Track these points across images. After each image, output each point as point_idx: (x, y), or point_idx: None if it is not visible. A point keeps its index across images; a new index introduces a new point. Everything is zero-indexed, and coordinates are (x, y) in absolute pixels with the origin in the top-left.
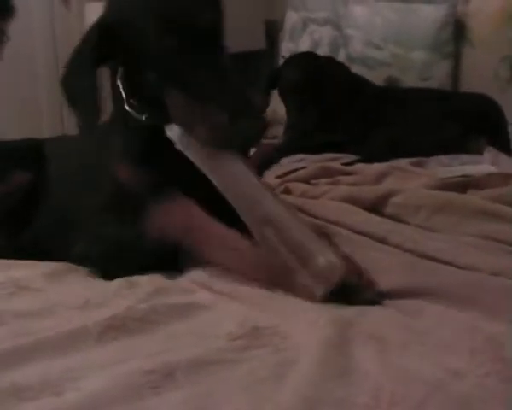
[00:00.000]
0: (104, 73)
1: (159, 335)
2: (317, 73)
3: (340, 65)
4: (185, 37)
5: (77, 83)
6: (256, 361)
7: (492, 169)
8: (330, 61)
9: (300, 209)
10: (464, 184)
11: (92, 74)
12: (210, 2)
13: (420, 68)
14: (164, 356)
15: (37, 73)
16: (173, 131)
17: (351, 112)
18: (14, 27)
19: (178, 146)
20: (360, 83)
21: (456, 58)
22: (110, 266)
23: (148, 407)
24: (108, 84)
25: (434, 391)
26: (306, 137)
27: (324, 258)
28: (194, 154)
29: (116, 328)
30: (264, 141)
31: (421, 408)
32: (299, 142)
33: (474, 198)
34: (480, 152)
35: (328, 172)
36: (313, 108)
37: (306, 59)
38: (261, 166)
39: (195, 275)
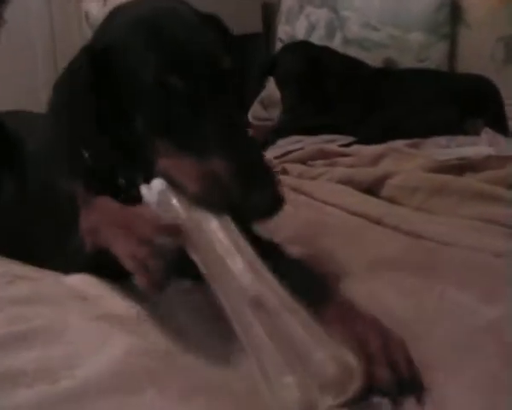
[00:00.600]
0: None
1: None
2: (313, 61)
3: (336, 52)
4: (195, 79)
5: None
6: None
7: (490, 150)
8: (325, 49)
9: (298, 190)
10: (461, 167)
11: (91, 103)
12: (229, 43)
13: (417, 50)
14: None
15: (36, 59)
16: (152, 188)
17: (347, 94)
18: (12, 14)
19: (152, 206)
20: (356, 65)
21: (453, 39)
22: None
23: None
24: None
25: None
26: (303, 119)
27: (334, 358)
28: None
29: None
30: (260, 122)
31: None
32: (295, 123)
33: (471, 180)
34: (477, 133)
35: (325, 154)
36: (310, 95)
37: (302, 48)
38: None
39: None
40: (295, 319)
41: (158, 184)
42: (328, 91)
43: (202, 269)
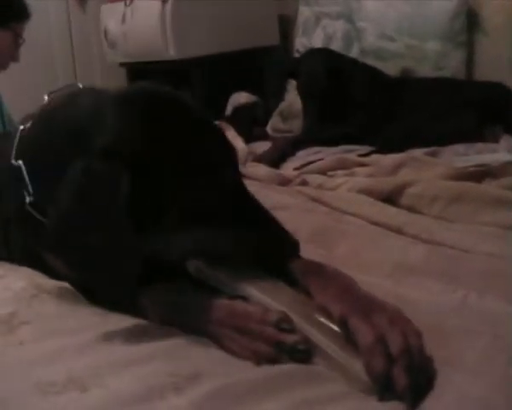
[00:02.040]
0: None
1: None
2: (336, 69)
3: (356, 61)
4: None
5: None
6: None
7: (509, 157)
8: (347, 58)
9: (317, 200)
10: (480, 174)
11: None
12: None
13: (434, 58)
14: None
15: (56, 74)
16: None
17: (366, 103)
18: (32, 30)
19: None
20: (375, 74)
21: (470, 47)
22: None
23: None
24: None
25: None
26: (323, 129)
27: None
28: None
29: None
30: (280, 134)
31: None
32: (315, 134)
33: (490, 187)
34: (495, 140)
35: (344, 164)
36: (333, 104)
37: (327, 55)
38: (278, 159)
39: None
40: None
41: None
42: (350, 101)
43: None
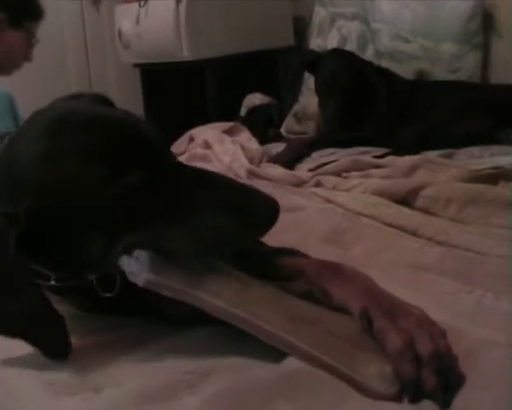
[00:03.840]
0: None
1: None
2: (358, 73)
3: (371, 62)
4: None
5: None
6: None
7: None
8: (366, 62)
9: (332, 202)
10: (495, 176)
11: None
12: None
13: (449, 60)
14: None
15: (70, 75)
16: (137, 261)
17: (381, 106)
18: (46, 30)
19: (145, 278)
20: (390, 77)
21: (485, 49)
22: None
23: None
24: None
25: None
26: (338, 132)
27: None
28: (172, 281)
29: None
30: (294, 136)
31: None
32: (330, 136)
33: (504, 190)
34: (510, 143)
35: (359, 166)
36: (350, 103)
37: (349, 56)
38: (292, 160)
39: None
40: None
41: (141, 253)
42: (367, 103)
43: None
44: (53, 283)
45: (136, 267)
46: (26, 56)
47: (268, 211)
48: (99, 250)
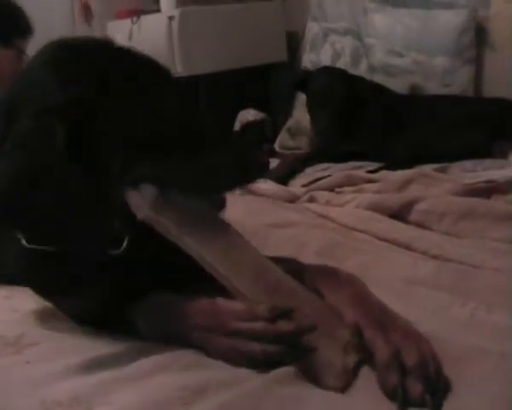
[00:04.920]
0: None
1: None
2: (349, 88)
3: (363, 78)
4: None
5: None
6: None
7: None
8: (356, 77)
9: (325, 217)
10: (489, 190)
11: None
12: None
13: (442, 74)
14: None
15: None
16: (141, 196)
17: (374, 120)
18: (37, 46)
19: (145, 213)
20: (382, 92)
21: (478, 63)
22: None
23: None
24: None
25: None
26: (331, 146)
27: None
28: (169, 221)
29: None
30: (287, 151)
31: None
32: (324, 151)
33: (498, 203)
34: (504, 156)
35: (352, 180)
36: (344, 121)
37: (341, 74)
38: (286, 176)
39: None
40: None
41: (149, 188)
42: (360, 118)
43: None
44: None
45: (140, 201)
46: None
47: (259, 162)
48: (118, 169)
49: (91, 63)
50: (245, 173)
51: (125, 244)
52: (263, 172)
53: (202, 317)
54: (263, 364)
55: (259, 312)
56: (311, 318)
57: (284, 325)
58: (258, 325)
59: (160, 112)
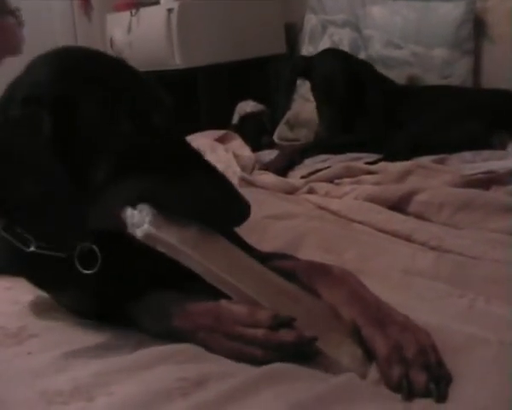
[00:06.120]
0: None
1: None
2: (350, 72)
3: (366, 62)
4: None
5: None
6: None
7: None
8: (359, 60)
9: (325, 209)
10: (488, 181)
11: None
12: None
13: (440, 66)
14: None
15: None
16: (140, 214)
17: (373, 110)
18: (38, 39)
19: (145, 231)
20: (383, 81)
21: (477, 55)
22: None
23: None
24: None
25: None
26: (335, 136)
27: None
28: (171, 237)
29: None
30: (287, 143)
31: None
32: (323, 142)
33: (497, 194)
34: (503, 147)
35: (351, 172)
36: (345, 108)
37: (340, 57)
38: (285, 167)
39: None
40: None
41: (146, 206)
42: (362, 108)
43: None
44: (32, 249)
45: (138, 219)
46: (16, 47)
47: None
48: (103, 177)
49: (85, 70)
50: (234, 211)
51: (98, 264)
52: (246, 213)
53: (205, 318)
54: (263, 364)
55: (262, 318)
56: (313, 326)
57: (286, 335)
58: (260, 333)
59: (144, 127)
